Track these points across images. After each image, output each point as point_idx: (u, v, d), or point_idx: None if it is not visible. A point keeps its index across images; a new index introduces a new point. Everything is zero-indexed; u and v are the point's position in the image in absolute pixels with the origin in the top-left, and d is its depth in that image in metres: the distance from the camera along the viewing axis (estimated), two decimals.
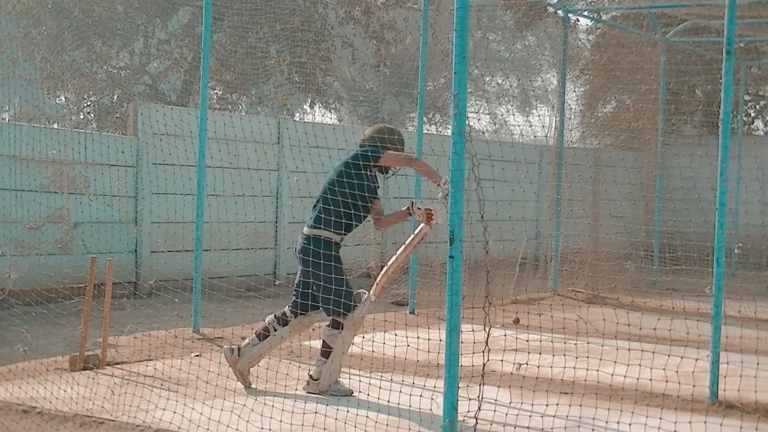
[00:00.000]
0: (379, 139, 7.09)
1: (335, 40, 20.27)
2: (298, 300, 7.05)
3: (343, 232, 6.92)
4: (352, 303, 6.87)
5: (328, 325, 6.94)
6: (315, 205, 7.05)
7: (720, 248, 7.06)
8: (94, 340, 8.20)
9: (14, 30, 18.95)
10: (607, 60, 16.66)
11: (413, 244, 6.82)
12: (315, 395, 6.90)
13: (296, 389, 7.04)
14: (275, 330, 7.09)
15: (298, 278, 7.07)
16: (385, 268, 6.95)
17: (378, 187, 7.11)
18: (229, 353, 7.07)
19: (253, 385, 7.11)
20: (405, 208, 6.96)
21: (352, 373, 7.32)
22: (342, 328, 6.87)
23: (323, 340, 6.97)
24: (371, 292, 7.01)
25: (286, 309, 7.13)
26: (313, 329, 9.37)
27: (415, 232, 6.81)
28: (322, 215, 6.88)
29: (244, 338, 7.37)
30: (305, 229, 6.99)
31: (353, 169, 6.87)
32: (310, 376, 6.98)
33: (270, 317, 7.19)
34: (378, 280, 6.95)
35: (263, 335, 7.11)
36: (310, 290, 6.96)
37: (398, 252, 6.88)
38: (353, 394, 6.91)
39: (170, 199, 12.11)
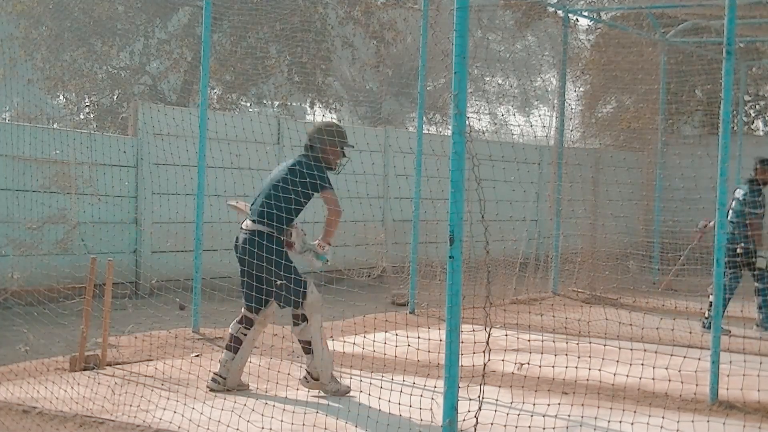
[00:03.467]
0: (319, 140, 7.07)
1: (335, 40, 20.27)
2: (252, 304, 7.01)
3: (285, 227, 6.90)
4: (304, 291, 6.85)
5: (293, 324, 6.94)
6: (257, 198, 7.07)
7: (720, 248, 7.06)
8: (95, 340, 8.19)
9: (14, 30, 18.96)
10: (607, 60, 16.65)
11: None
12: (316, 395, 6.90)
13: (297, 389, 7.04)
14: (245, 335, 7.06)
15: (240, 278, 7.02)
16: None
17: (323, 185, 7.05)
18: (214, 386, 7.00)
19: (253, 385, 7.11)
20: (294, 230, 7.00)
21: (353, 374, 7.32)
22: (306, 319, 6.86)
23: (299, 339, 6.97)
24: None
25: (245, 313, 7.07)
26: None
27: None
28: (270, 209, 6.86)
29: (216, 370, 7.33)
30: (247, 224, 6.99)
31: (300, 177, 6.87)
32: (309, 375, 6.95)
33: (234, 325, 7.13)
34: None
35: (235, 347, 7.05)
36: (262, 284, 6.92)
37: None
38: (350, 392, 6.92)
39: (171, 199, 12.11)
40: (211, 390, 7.00)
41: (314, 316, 6.88)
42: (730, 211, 10.47)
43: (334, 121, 7.41)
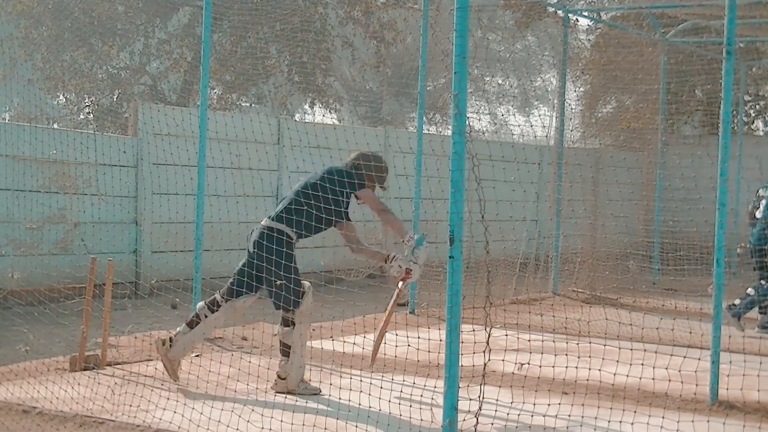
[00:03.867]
0: (364, 167, 7.11)
1: (335, 40, 20.27)
2: (234, 287, 7.06)
3: (303, 233, 6.96)
4: (300, 299, 6.89)
5: (281, 325, 6.98)
6: (282, 201, 7.12)
7: (720, 248, 7.06)
8: (95, 341, 8.19)
9: (14, 30, 18.96)
10: (607, 60, 16.65)
11: (394, 307, 7.12)
12: (315, 395, 6.90)
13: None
14: (206, 316, 7.12)
15: (240, 266, 7.08)
16: (376, 340, 7.08)
17: (347, 211, 7.12)
18: (160, 344, 7.10)
19: (253, 385, 7.11)
20: (385, 254, 7.08)
21: (353, 374, 7.32)
22: (293, 324, 6.90)
23: (280, 340, 7.00)
24: (370, 364, 7.24)
25: (217, 295, 7.15)
26: (314, 329, 9.38)
27: (397, 289, 7.09)
28: (291, 214, 6.90)
29: (179, 333, 7.33)
30: (265, 221, 7.03)
31: (333, 184, 6.92)
32: (278, 375, 7.00)
33: (200, 304, 7.25)
34: (374, 349, 7.07)
35: (195, 322, 7.14)
36: (252, 280, 6.97)
37: (385, 315, 7.11)
38: (321, 393, 6.92)
39: (171, 199, 12.11)
40: (155, 348, 7.17)
41: (302, 324, 6.93)
42: (759, 211, 10.46)
43: (379, 155, 7.52)
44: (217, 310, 7.12)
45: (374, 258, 7.28)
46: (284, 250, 6.84)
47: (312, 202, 6.87)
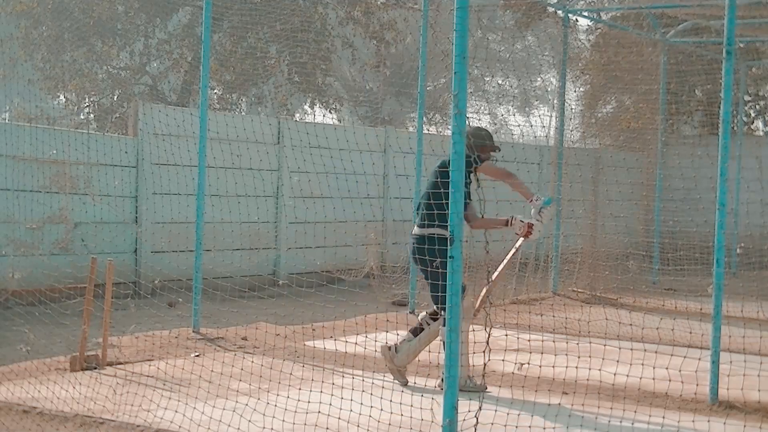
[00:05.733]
0: (475, 143, 7.17)
1: (335, 41, 20.28)
2: (439, 304, 7.16)
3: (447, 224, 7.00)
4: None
5: (428, 313, 7.24)
6: (419, 207, 7.34)
7: (720, 248, 7.06)
8: (96, 341, 8.20)
9: (14, 30, 18.97)
10: (607, 60, 16.66)
11: (511, 259, 7.32)
12: (317, 393, 6.90)
13: (299, 388, 7.04)
14: (428, 324, 7.28)
15: (426, 282, 7.31)
16: (485, 289, 7.22)
17: (468, 191, 7.18)
18: (386, 351, 7.25)
19: (254, 385, 7.12)
20: (505, 218, 7.18)
21: (355, 374, 7.32)
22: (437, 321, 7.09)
23: (420, 321, 7.25)
24: (473, 311, 7.31)
25: (435, 306, 7.30)
26: (314, 329, 9.39)
27: (516, 246, 7.33)
28: (433, 213, 7.00)
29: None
30: (416, 230, 7.24)
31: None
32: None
33: (423, 314, 7.44)
34: (481, 297, 7.25)
35: (418, 330, 7.30)
36: (439, 290, 7.08)
37: (500, 267, 7.31)
38: (487, 390, 6.89)
39: (171, 199, 12.12)
40: (382, 355, 7.31)
41: (463, 324, 6.93)
42: None
43: (480, 126, 7.65)
44: (437, 319, 7.22)
45: (495, 224, 7.31)
46: (438, 248, 6.92)
47: (443, 191, 6.92)
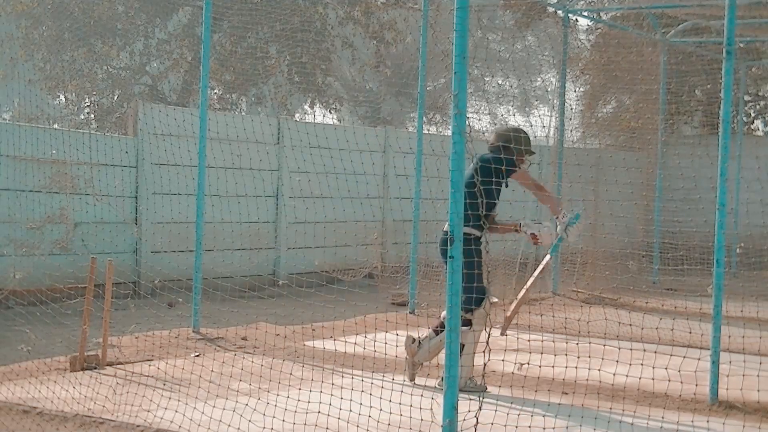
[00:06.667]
0: (505, 144, 7.13)
1: (335, 41, 20.28)
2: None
3: (482, 224, 6.98)
4: (481, 301, 6.97)
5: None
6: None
7: (720, 248, 7.06)
8: (96, 341, 8.20)
9: (14, 30, 18.97)
10: (607, 60, 16.65)
11: (538, 276, 7.38)
12: (317, 393, 6.90)
13: (299, 388, 7.05)
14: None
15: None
16: (514, 304, 7.29)
17: (499, 189, 7.21)
18: (410, 342, 7.22)
19: (254, 385, 7.12)
20: (513, 224, 7.22)
21: (355, 374, 7.32)
22: (470, 325, 6.97)
23: (442, 320, 7.12)
24: (501, 328, 7.30)
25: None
26: (314, 329, 9.39)
27: (543, 263, 7.40)
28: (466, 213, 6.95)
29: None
30: (446, 227, 7.10)
31: (487, 172, 6.92)
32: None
33: (444, 313, 7.32)
34: (509, 315, 7.26)
35: (440, 330, 7.21)
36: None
37: (527, 284, 7.38)
38: (487, 390, 6.85)
39: (171, 199, 12.12)
40: (405, 345, 7.26)
41: (479, 326, 6.96)
42: None
43: (518, 128, 7.59)
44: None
45: (504, 230, 7.33)
46: (465, 248, 6.84)
47: (474, 190, 6.86)
